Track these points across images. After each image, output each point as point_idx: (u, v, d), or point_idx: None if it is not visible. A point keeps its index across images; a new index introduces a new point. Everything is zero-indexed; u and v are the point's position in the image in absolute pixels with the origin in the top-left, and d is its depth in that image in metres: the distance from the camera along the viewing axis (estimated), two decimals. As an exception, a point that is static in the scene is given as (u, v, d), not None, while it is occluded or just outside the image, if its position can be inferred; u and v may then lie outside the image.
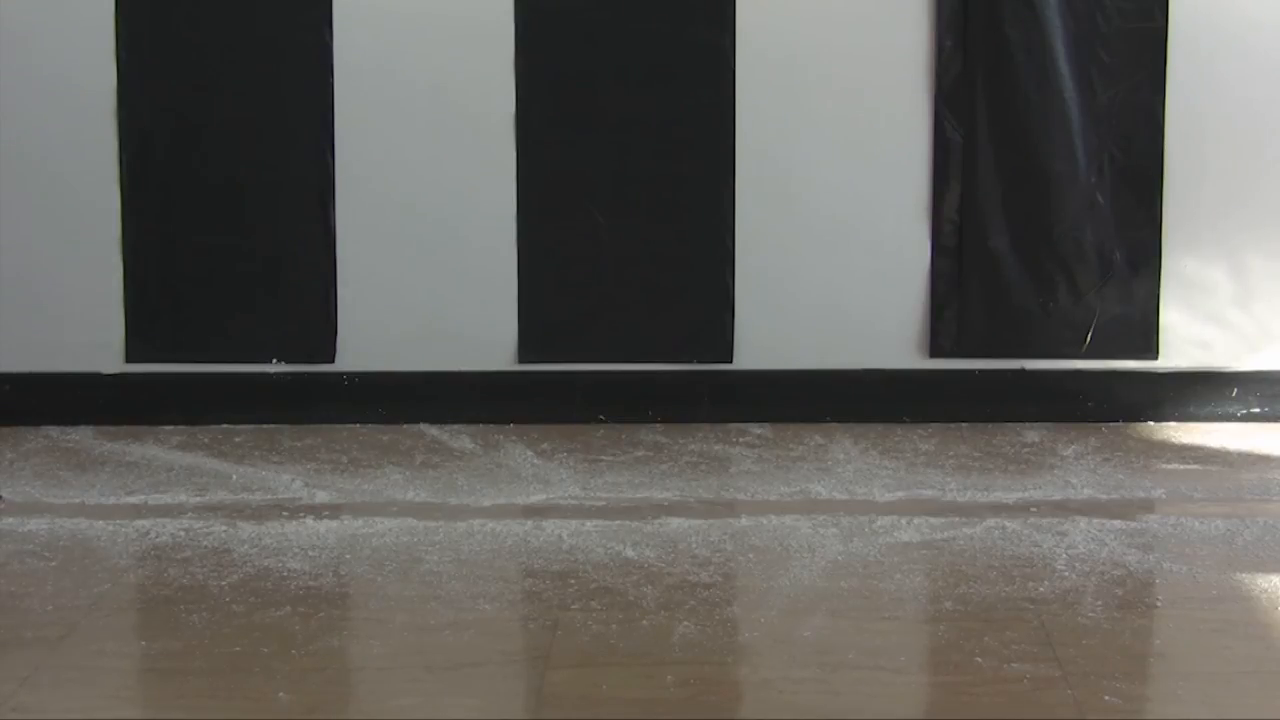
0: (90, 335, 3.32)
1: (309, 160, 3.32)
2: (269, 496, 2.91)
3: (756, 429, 3.32)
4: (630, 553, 2.60)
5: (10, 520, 2.73)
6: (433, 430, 3.32)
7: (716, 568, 2.55)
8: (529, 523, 2.75)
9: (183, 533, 2.70)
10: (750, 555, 2.60)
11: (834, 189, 3.34)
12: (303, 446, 3.20)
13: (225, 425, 3.34)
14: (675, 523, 2.75)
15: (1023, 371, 3.38)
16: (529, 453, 3.16)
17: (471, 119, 3.33)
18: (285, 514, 2.79)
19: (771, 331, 3.37)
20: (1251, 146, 3.33)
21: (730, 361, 3.37)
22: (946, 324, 3.36)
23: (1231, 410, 3.36)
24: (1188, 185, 3.33)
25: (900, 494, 2.92)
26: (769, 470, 3.06)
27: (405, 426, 3.34)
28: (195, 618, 2.34)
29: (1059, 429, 3.31)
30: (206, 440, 3.24)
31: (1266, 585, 2.47)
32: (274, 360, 3.36)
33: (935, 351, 3.37)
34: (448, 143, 3.33)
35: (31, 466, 3.09)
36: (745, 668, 2.21)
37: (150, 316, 3.35)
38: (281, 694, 2.09)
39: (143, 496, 2.91)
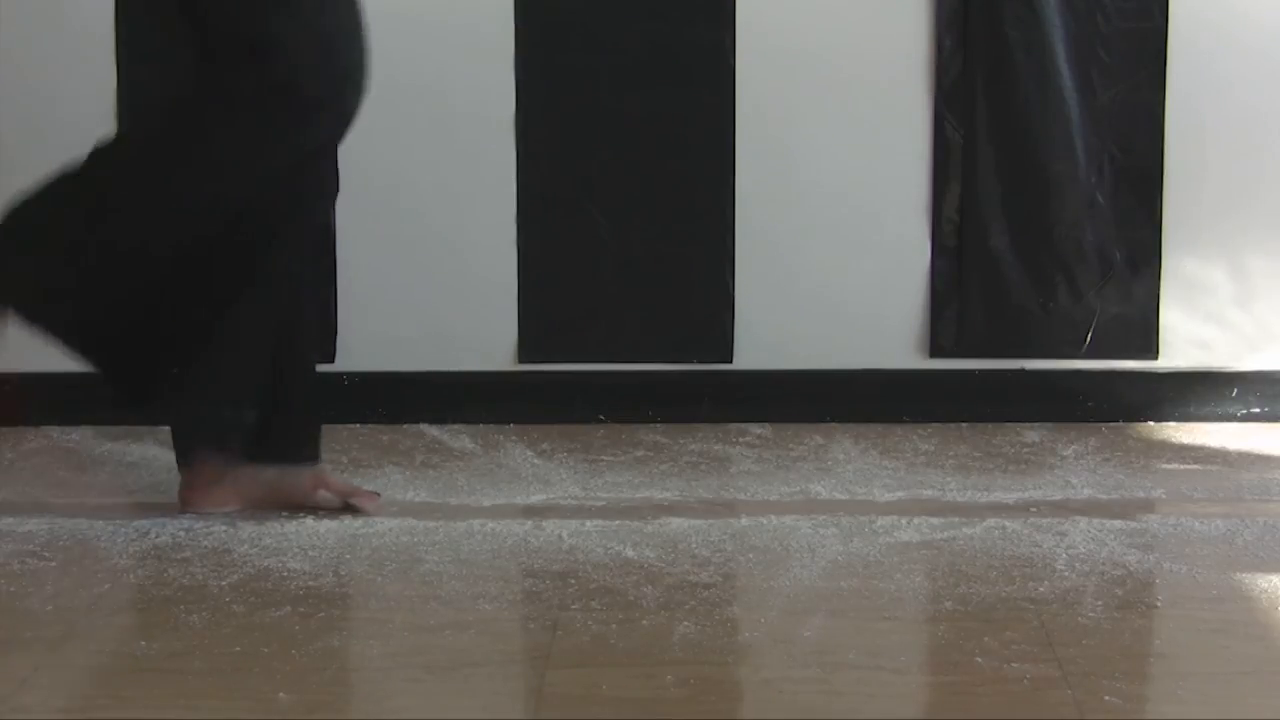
0: (90, 335, 3.32)
1: (309, 160, 3.32)
2: (269, 496, 2.91)
3: (756, 429, 3.33)
4: (630, 553, 2.60)
5: (10, 520, 2.73)
6: (433, 430, 3.32)
7: (716, 568, 2.55)
8: (529, 523, 2.75)
9: (183, 533, 2.70)
10: (750, 555, 2.60)
11: (834, 189, 3.34)
12: (303, 446, 3.20)
13: (225, 425, 3.33)
14: (675, 523, 2.75)
15: (1023, 371, 3.38)
16: (529, 453, 3.16)
17: (471, 118, 3.33)
18: (285, 514, 2.79)
19: (771, 331, 3.37)
20: (1251, 146, 3.33)
21: (730, 361, 3.37)
22: (946, 324, 3.36)
23: (1231, 410, 3.36)
24: (1188, 185, 3.34)
25: (900, 494, 2.92)
26: (769, 470, 3.06)
27: (405, 426, 3.34)
28: (195, 618, 2.34)
29: (1059, 429, 3.31)
30: (206, 440, 3.24)
31: (1266, 585, 2.47)
32: (274, 360, 3.36)
33: (935, 351, 3.37)
34: (448, 142, 3.33)
35: (31, 466, 3.09)
36: (745, 668, 2.21)
37: (150, 316, 3.35)
38: (281, 694, 2.09)
39: (142, 496, 2.91)
